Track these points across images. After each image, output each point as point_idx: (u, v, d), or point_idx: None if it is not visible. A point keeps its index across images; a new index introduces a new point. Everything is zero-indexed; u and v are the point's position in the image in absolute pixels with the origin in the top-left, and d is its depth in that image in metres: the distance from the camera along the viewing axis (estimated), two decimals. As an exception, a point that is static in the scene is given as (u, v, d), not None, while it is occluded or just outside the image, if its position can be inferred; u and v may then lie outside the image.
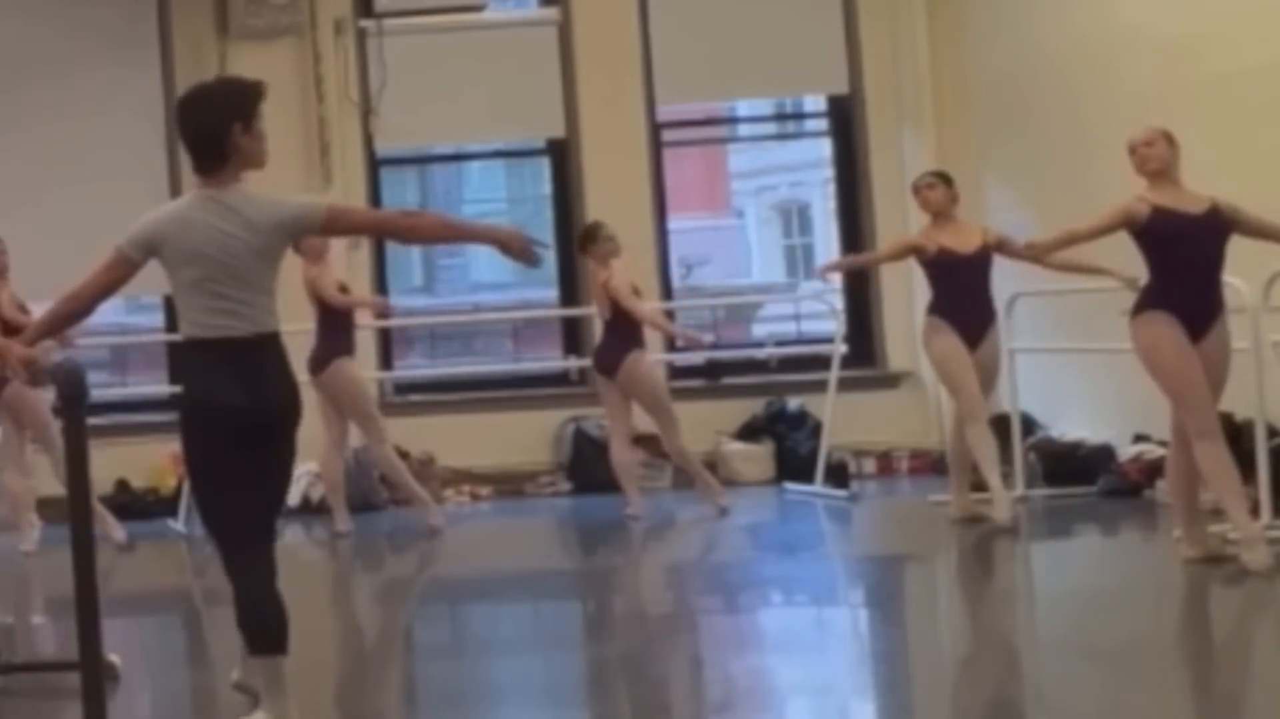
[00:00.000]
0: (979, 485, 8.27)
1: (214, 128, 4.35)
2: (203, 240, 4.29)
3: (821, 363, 10.18)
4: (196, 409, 4.35)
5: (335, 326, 9.00)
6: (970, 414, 8.13)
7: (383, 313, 10.07)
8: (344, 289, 9.17)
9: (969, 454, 8.18)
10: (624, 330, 9.09)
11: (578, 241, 9.44)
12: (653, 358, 9.59)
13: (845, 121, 11.28)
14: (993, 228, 8.34)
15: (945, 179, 8.43)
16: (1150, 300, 6.60)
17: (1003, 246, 8.20)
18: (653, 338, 9.69)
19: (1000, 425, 8.82)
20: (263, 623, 4.36)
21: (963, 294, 8.16)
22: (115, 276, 4.40)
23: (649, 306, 9.48)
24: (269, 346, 4.36)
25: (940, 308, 8.25)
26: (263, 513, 4.41)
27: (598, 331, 10.51)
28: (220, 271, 4.29)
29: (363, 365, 9.98)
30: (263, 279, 4.35)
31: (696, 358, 10.89)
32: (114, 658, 5.44)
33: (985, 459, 8.10)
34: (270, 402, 4.33)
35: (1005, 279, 8.57)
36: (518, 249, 4.41)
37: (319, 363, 8.87)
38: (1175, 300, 6.51)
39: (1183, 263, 6.52)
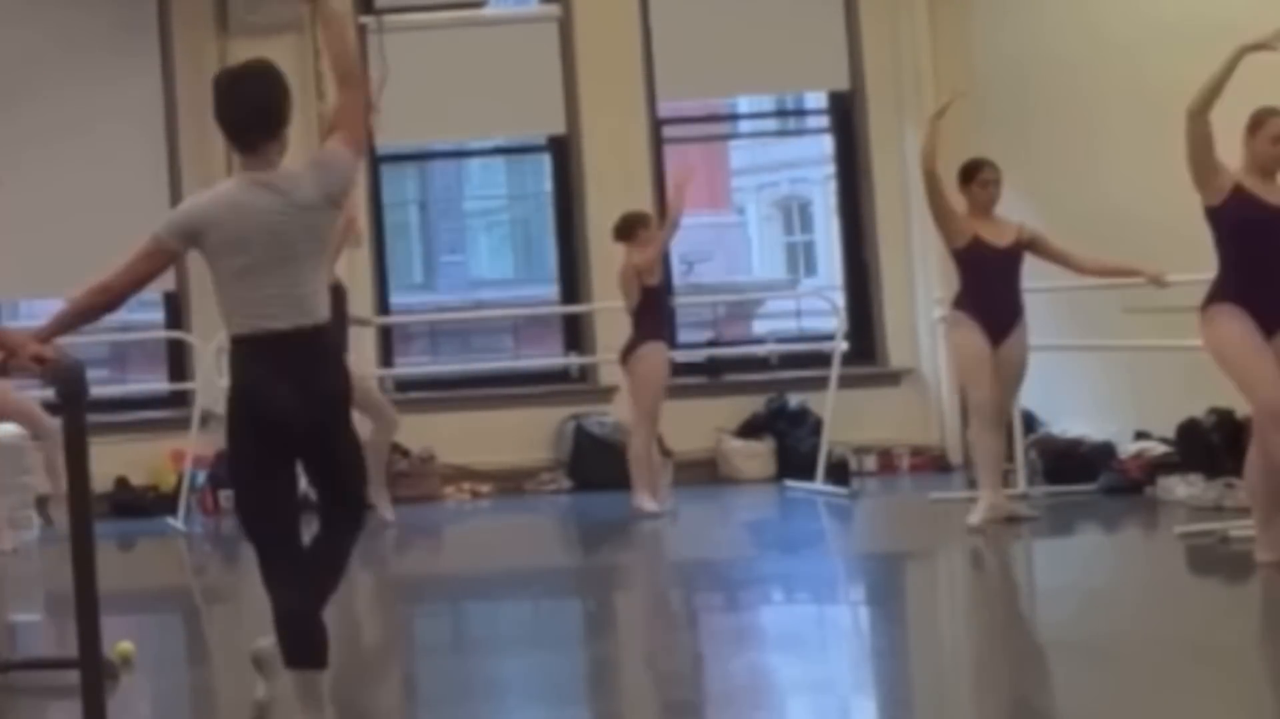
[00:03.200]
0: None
1: (275, 103, 4.28)
2: (254, 226, 4.17)
3: (822, 360, 10.17)
4: (244, 408, 4.22)
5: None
6: (977, 413, 8.08)
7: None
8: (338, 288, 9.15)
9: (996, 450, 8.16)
10: (648, 320, 9.05)
11: (624, 227, 9.20)
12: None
13: (846, 118, 11.26)
14: (1028, 225, 8.19)
15: (999, 171, 8.22)
16: (1220, 293, 6.45)
17: (1035, 245, 8.12)
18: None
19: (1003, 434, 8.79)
20: (299, 638, 4.29)
21: (991, 289, 8.03)
22: (152, 267, 4.27)
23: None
24: (322, 338, 4.24)
25: (966, 302, 8.14)
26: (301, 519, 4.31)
27: (598, 329, 10.52)
28: (272, 259, 4.16)
29: (363, 363, 9.98)
30: (317, 263, 4.24)
31: (697, 355, 10.88)
32: (128, 645, 5.46)
33: (982, 462, 8.08)
34: (324, 396, 4.21)
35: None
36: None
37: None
38: (1247, 294, 6.36)
39: (1258, 255, 6.36)
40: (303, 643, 4.28)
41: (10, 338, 4.36)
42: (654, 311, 9.14)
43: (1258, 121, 6.52)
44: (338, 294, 9.17)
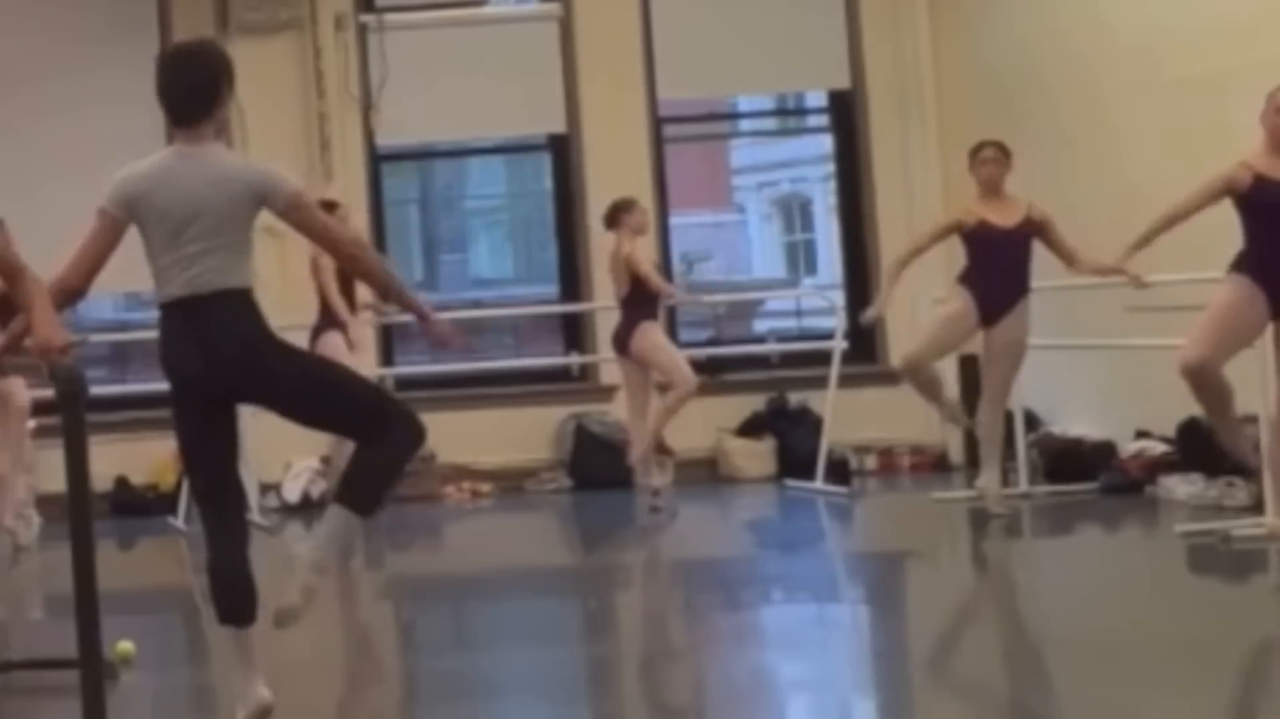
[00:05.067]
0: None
1: (209, 81, 4.38)
2: (179, 194, 4.28)
3: (823, 359, 10.17)
4: (165, 371, 4.40)
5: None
6: (902, 361, 8.32)
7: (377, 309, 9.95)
8: (350, 297, 9.15)
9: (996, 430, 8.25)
10: (638, 304, 9.05)
11: (609, 214, 9.22)
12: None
13: (847, 117, 11.26)
14: (1038, 205, 8.21)
15: (1004, 151, 8.26)
16: (1241, 263, 6.59)
17: (1044, 229, 8.13)
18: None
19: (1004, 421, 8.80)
20: (229, 592, 4.37)
21: (993, 268, 8.08)
22: (106, 241, 4.37)
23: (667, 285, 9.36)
24: (226, 304, 4.30)
25: (968, 277, 8.21)
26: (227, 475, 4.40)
27: (599, 328, 10.51)
28: (190, 228, 4.27)
29: (363, 362, 9.97)
30: (232, 237, 4.30)
31: (697, 354, 10.86)
32: (128, 645, 5.46)
33: (927, 392, 8.30)
34: (226, 355, 4.27)
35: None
36: (437, 334, 4.55)
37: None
38: (1267, 270, 6.48)
39: (1275, 235, 6.49)
40: (230, 600, 4.37)
41: (44, 318, 4.28)
42: (647, 298, 9.11)
43: (1271, 95, 6.63)
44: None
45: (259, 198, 4.33)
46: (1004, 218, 8.14)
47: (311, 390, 4.39)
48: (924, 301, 10.27)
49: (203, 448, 4.40)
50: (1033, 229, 8.12)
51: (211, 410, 4.37)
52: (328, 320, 9.23)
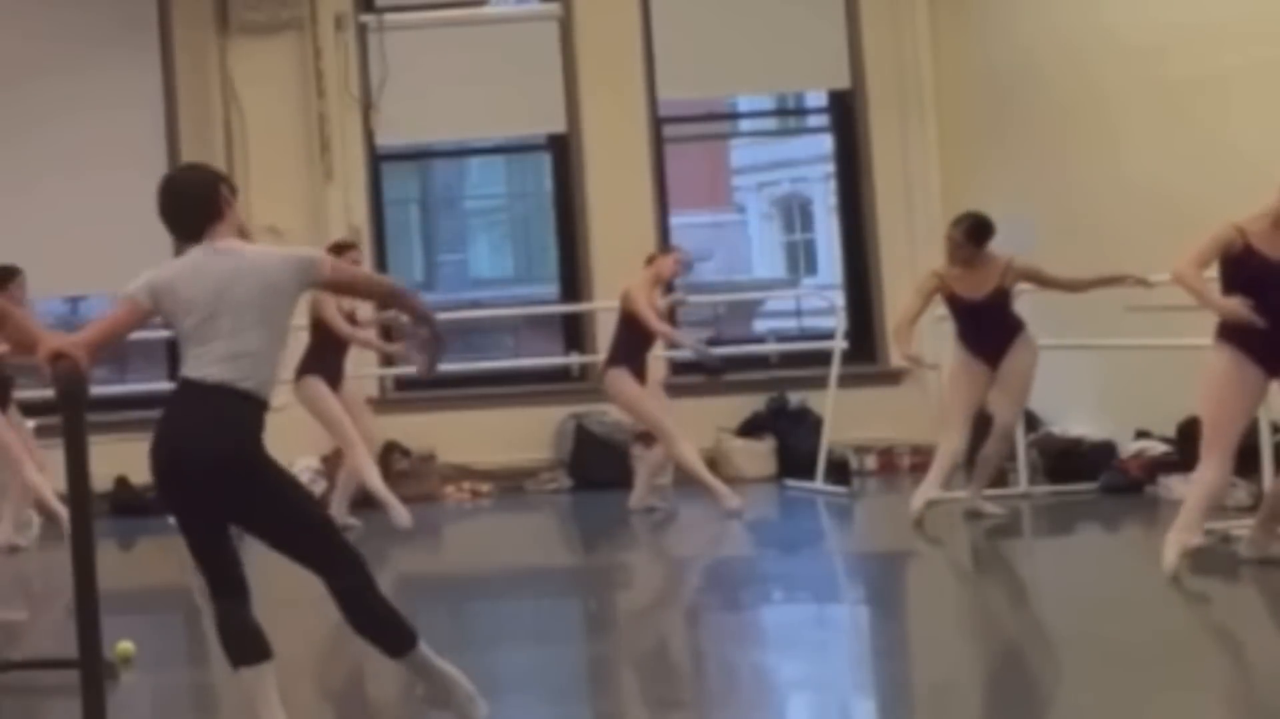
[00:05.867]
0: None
1: (203, 189, 4.43)
2: (205, 287, 4.27)
3: (823, 359, 10.17)
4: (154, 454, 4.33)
5: (327, 348, 8.90)
6: (945, 422, 8.30)
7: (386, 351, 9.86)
8: (351, 317, 9.08)
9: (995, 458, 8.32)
10: (625, 342, 9.03)
11: (653, 256, 9.25)
12: (654, 354, 9.45)
13: (847, 117, 11.26)
14: (1019, 261, 8.13)
15: (977, 237, 8.11)
16: (1225, 331, 6.34)
17: (1028, 278, 8.15)
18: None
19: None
20: (239, 637, 4.34)
21: (978, 332, 8.19)
22: (130, 323, 4.38)
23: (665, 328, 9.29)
24: (220, 397, 4.25)
25: (961, 338, 8.32)
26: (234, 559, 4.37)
27: (599, 328, 10.51)
28: (213, 315, 4.25)
29: (364, 361, 9.99)
30: (261, 331, 4.28)
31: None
32: (128, 645, 5.46)
33: (940, 461, 8.28)
34: (203, 457, 4.22)
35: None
36: (431, 350, 4.60)
37: (299, 373, 8.84)
38: (1250, 334, 6.25)
39: (1265, 304, 6.22)
40: (242, 644, 4.35)
41: (39, 333, 4.38)
42: (636, 344, 9.06)
43: None
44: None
45: (299, 276, 4.34)
46: (974, 289, 8.14)
47: (284, 526, 4.36)
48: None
49: (186, 521, 4.34)
50: (1004, 296, 8.12)
51: (194, 511, 4.32)
52: (315, 361, 8.95)
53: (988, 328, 8.16)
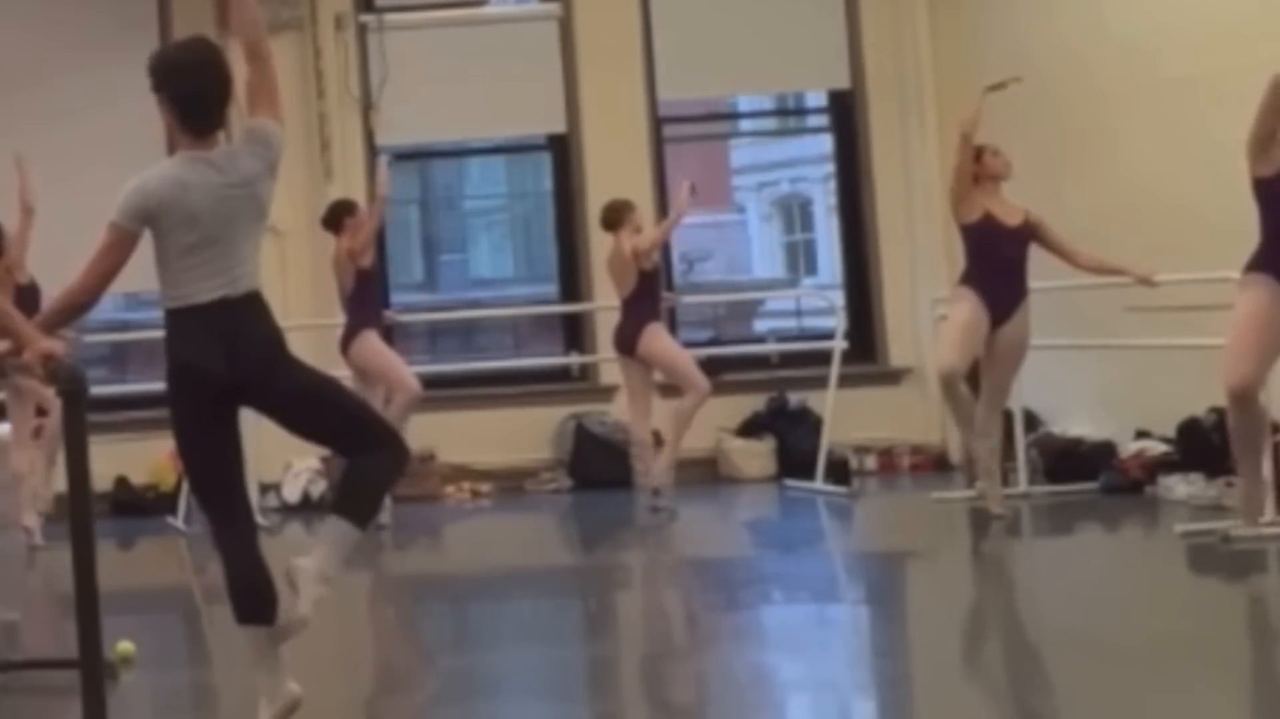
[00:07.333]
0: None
1: (216, 86, 4.34)
2: (202, 202, 4.26)
3: (823, 359, 10.17)
4: (179, 380, 4.37)
5: (365, 299, 9.02)
6: (941, 379, 8.12)
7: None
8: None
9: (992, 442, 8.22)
10: (642, 305, 9.06)
11: (610, 216, 9.23)
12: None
13: (847, 117, 11.26)
14: (1033, 210, 8.16)
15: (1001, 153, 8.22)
16: (1258, 262, 6.46)
17: (1040, 231, 8.11)
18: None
19: (1002, 422, 8.80)
20: (249, 593, 4.36)
21: (998, 267, 8.04)
22: (120, 255, 4.33)
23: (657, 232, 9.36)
24: (249, 306, 4.33)
25: (971, 277, 8.15)
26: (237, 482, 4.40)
27: (599, 328, 10.51)
28: (217, 233, 4.26)
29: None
30: (254, 236, 4.36)
31: (698, 354, 10.86)
32: (128, 645, 5.46)
33: (961, 419, 8.21)
34: (251, 357, 4.29)
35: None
36: None
37: (346, 339, 8.96)
38: None
39: None
40: (251, 601, 4.36)
41: (26, 332, 4.36)
42: (652, 298, 9.13)
43: None
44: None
45: (275, 166, 4.44)
46: (1007, 216, 8.13)
47: (318, 404, 4.42)
48: (924, 302, 10.30)
49: (210, 451, 4.37)
50: (1031, 231, 8.10)
51: (220, 412, 4.35)
52: (360, 319, 9.05)
53: (1011, 264, 8.04)
